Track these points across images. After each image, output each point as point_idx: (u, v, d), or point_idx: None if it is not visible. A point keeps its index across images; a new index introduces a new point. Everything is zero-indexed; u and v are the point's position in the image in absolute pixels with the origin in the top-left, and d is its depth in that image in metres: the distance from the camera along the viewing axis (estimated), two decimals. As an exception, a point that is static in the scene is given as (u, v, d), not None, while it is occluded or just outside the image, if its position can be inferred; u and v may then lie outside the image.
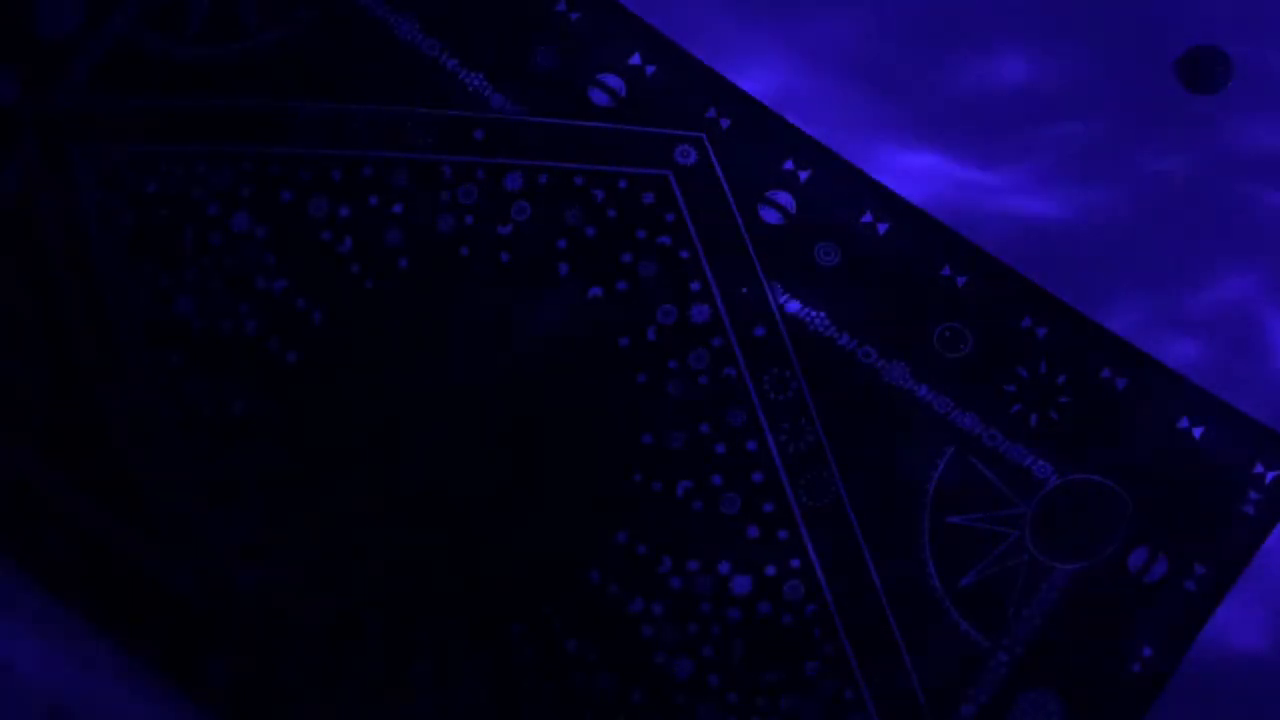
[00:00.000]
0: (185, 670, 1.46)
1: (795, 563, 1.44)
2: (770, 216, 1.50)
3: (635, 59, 1.54)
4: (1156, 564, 1.42)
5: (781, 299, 1.49)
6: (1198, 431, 1.43)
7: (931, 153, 1.52)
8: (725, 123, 1.52)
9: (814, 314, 1.48)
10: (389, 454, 1.48)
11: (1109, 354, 1.46)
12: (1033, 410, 1.45)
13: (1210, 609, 1.41)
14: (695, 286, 1.49)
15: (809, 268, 1.49)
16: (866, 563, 1.43)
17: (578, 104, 1.54)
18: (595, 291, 1.50)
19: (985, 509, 1.44)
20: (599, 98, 1.54)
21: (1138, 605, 1.41)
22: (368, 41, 1.56)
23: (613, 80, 1.54)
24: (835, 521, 1.44)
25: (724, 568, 1.44)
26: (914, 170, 1.51)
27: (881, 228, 1.49)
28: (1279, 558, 1.42)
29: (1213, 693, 1.41)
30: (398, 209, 1.53)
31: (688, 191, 1.51)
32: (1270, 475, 1.42)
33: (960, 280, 1.48)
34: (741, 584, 1.44)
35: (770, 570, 1.44)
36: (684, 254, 1.50)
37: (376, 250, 1.52)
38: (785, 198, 1.51)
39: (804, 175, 1.51)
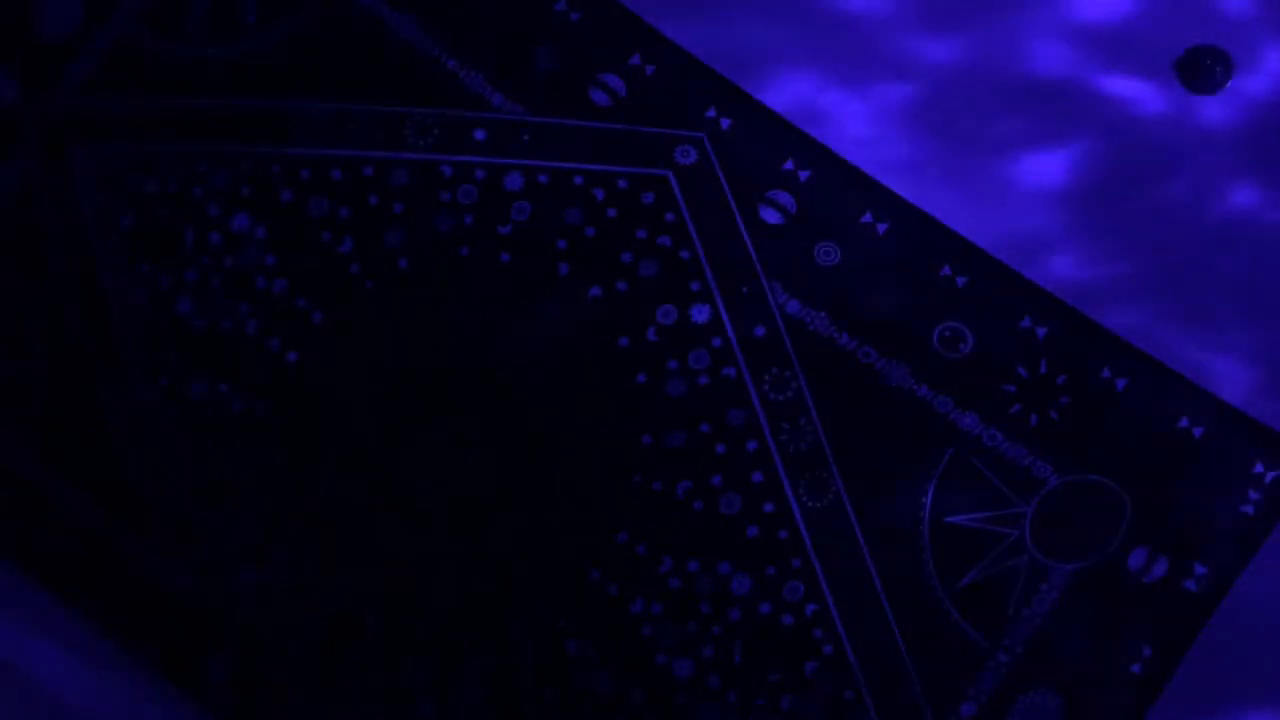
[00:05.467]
0: (185, 670, 1.46)
1: (795, 563, 1.44)
2: (770, 216, 1.50)
3: (635, 59, 1.54)
4: (1156, 564, 1.41)
5: (781, 299, 1.49)
6: (1198, 431, 1.43)
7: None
8: (725, 123, 1.52)
9: (814, 314, 1.48)
10: (389, 454, 1.48)
11: (1109, 354, 1.46)
12: (1033, 410, 1.45)
13: (1210, 609, 1.41)
14: (695, 286, 1.49)
15: (809, 268, 1.49)
16: (866, 563, 1.43)
17: (578, 104, 1.54)
18: (595, 291, 1.50)
19: (985, 509, 1.44)
20: (599, 98, 1.54)
21: (1138, 605, 1.41)
22: (368, 41, 1.56)
23: (613, 80, 1.54)
24: (835, 521, 1.44)
25: (724, 568, 1.44)
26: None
27: (881, 228, 1.49)
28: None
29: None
30: (398, 209, 1.53)
31: (688, 191, 1.51)
32: (1270, 475, 1.42)
33: (960, 280, 1.48)
34: (741, 584, 1.44)
35: (770, 570, 1.44)
36: (684, 254, 1.50)
37: (376, 250, 1.52)
38: (785, 198, 1.51)
39: (804, 175, 1.51)
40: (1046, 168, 1.51)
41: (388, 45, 1.56)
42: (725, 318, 1.49)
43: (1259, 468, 1.42)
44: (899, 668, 1.42)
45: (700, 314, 1.49)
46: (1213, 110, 1.49)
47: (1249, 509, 1.42)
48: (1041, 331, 1.46)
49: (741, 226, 1.50)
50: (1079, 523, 1.43)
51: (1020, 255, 1.48)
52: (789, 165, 1.51)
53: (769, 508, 1.45)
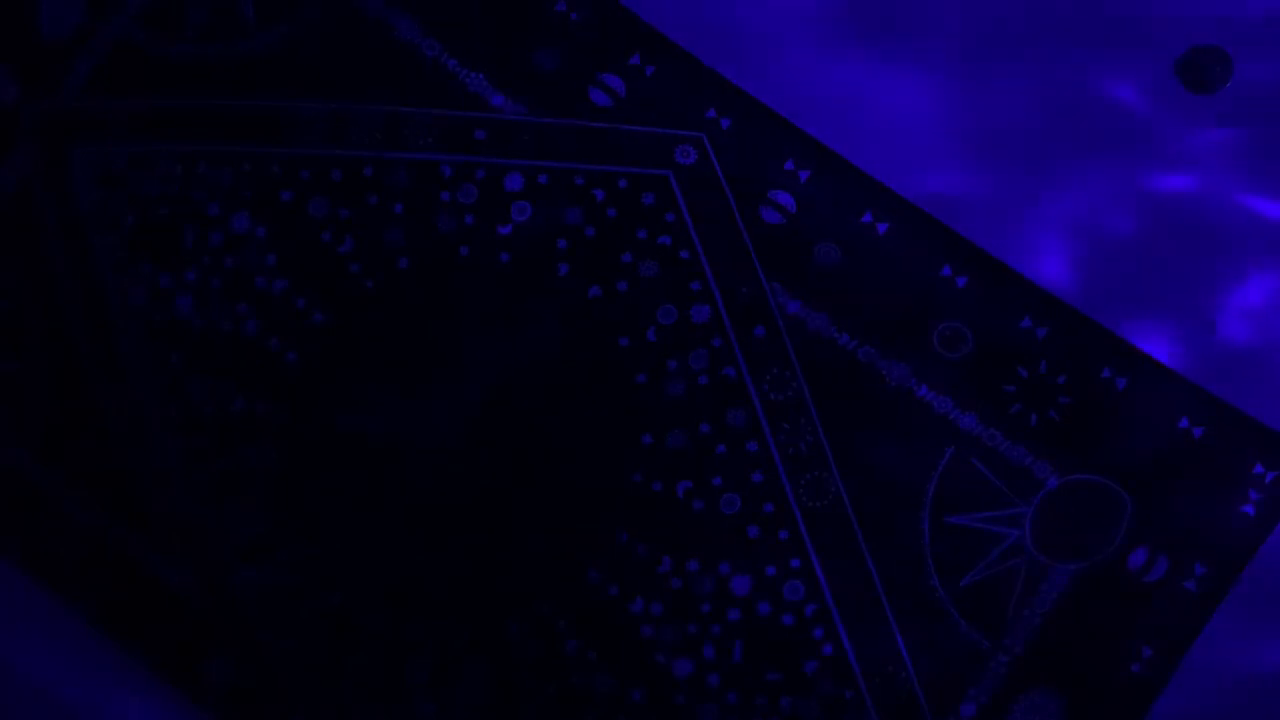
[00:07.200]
0: (185, 670, 1.46)
1: (795, 563, 1.44)
2: (770, 216, 1.50)
3: (635, 59, 1.54)
4: (1156, 564, 1.41)
5: (781, 299, 1.49)
6: (1198, 431, 1.43)
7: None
8: (725, 123, 1.52)
9: (814, 314, 1.48)
10: (389, 454, 1.48)
11: (1109, 354, 1.46)
12: (1033, 410, 1.45)
13: (1210, 609, 1.41)
14: (695, 286, 1.49)
15: (809, 268, 1.49)
16: (866, 563, 1.43)
17: (578, 104, 1.54)
18: (595, 291, 1.50)
19: (985, 509, 1.44)
20: (599, 98, 1.54)
21: (1138, 605, 1.41)
22: (368, 41, 1.56)
23: (613, 80, 1.54)
24: (835, 521, 1.44)
25: (724, 568, 1.44)
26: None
27: (881, 228, 1.50)
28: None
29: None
30: (398, 209, 1.53)
31: (688, 191, 1.51)
32: (1270, 475, 1.42)
33: (960, 280, 1.48)
34: (741, 584, 1.44)
35: (770, 570, 1.44)
36: (684, 254, 1.50)
37: (376, 250, 1.52)
38: (785, 198, 1.51)
39: (804, 175, 1.51)
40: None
41: (388, 45, 1.56)
42: (725, 318, 1.49)
43: (1259, 468, 1.42)
44: (899, 668, 1.42)
45: (700, 314, 1.49)
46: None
47: (1249, 509, 1.42)
48: (1041, 331, 1.46)
49: (741, 226, 1.50)
50: (1079, 523, 1.43)
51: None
52: (789, 165, 1.51)
53: (769, 508, 1.45)
